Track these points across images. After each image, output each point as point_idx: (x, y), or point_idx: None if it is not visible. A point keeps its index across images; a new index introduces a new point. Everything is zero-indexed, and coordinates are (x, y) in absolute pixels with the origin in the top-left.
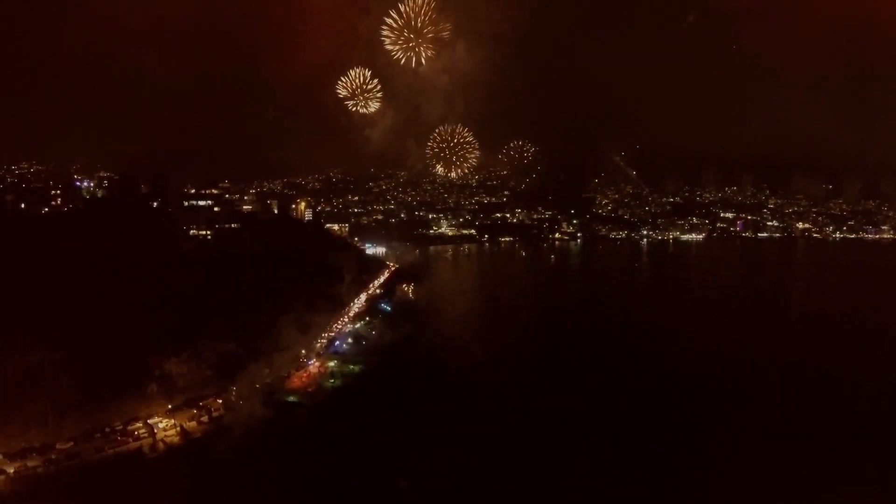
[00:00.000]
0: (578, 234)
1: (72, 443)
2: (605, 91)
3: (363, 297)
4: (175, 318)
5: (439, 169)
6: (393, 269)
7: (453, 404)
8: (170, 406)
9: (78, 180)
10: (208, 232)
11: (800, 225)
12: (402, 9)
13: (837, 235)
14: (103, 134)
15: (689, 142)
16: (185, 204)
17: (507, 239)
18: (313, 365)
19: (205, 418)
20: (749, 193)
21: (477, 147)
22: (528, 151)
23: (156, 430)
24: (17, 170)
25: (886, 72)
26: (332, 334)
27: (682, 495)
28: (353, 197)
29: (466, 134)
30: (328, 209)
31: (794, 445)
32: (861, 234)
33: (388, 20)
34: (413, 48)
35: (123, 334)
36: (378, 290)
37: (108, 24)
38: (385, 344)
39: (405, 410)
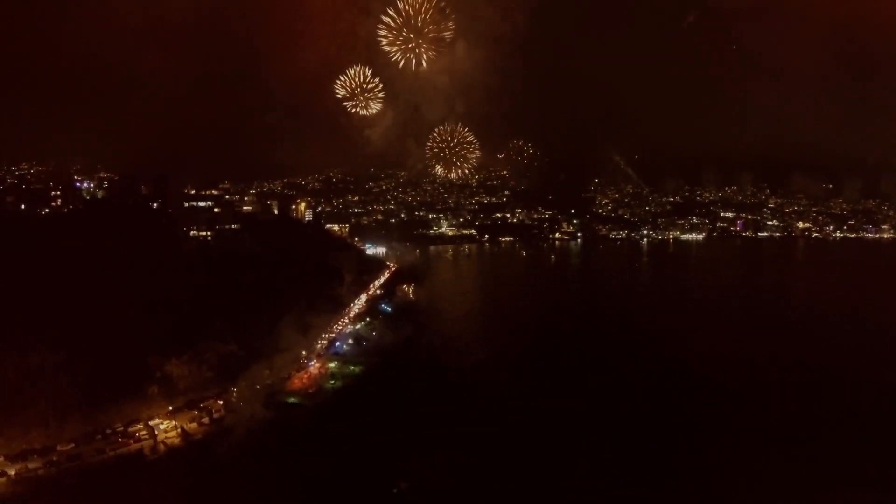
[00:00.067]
0: (578, 234)
1: (73, 444)
2: (605, 91)
3: (363, 297)
4: (175, 320)
5: (439, 169)
6: (393, 269)
7: (453, 405)
8: (170, 407)
9: (78, 181)
10: (208, 233)
11: (800, 224)
12: (400, 6)
13: (837, 235)
14: (103, 134)
15: (689, 142)
16: (186, 205)
17: (508, 239)
18: (314, 366)
19: (205, 420)
20: (749, 193)
21: (477, 147)
22: (528, 151)
23: (157, 432)
24: (17, 170)
25: (887, 71)
26: (333, 335)
27: (682, 495)
28: (353, 197)
29: (466, 134)
30: (328, 209)
31: (794, 445)
32: (861, 234)
33: (386, 19)
34: (413, 49)
35: (124, 335)
36: (378, 291)
37: (107, 24)
38: (385, 345)
39: (405, 411)
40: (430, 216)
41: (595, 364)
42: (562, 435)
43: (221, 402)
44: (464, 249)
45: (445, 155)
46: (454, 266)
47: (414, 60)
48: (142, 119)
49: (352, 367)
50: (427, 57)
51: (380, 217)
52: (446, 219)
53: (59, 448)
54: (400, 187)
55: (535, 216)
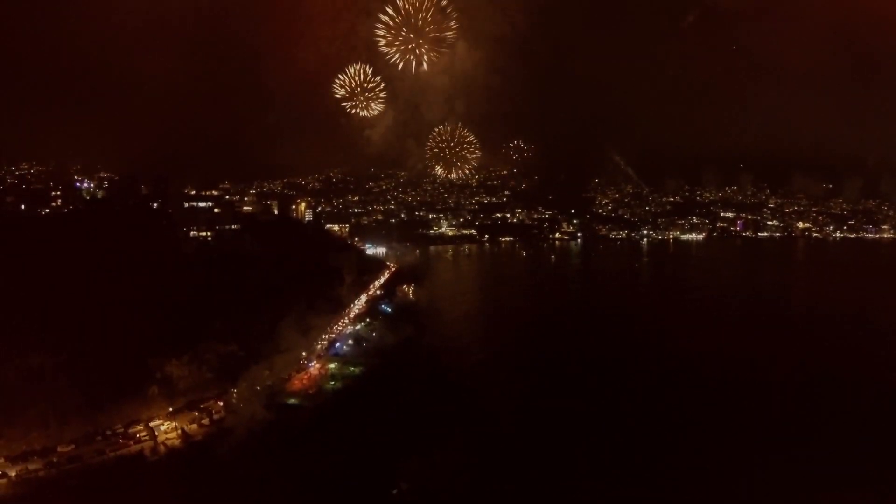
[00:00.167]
0: (578, 234)
1: (73, 446)
2: (605, 91)
3: (363, 298)
4: (175, 320)
5: (439, 170)
6: (393, 269)
7: (454, 405)
8: (171, 408)
9: (78, 181)
10: (208, 233)
11: (800, 224)
12: (400, 5)
13: (838, 235)
14: (103, 135)
15: (689, 142)
16: (186, 205)
17: (508, 239)
18: (314, 367)
19: (206, 421)
20: (749, 193)
21: (477, 147)
22: (528, 151)
23: (157, 433)
24: (17, 171)
25: (887, 71)
26: (333, 336)
27: (682, 495)
28: (353, 197)
29: (466, 134)
30: (328, 209)
31: (794, 445)
32: (861, 234)
33: (385, 17)
34: (413, 50)
35: (124, 336)
36: (378, 291)
37: (107, 25)
38: (386, 345)
39: (405, 412)
40: (430, 216)
41: (595, 364)
42: (562, 435)
43: (222, 403)
44: (464, 249)
45: (445, 155)
46: (454, 266)
47: (414, 61)
48: (142, 119)
49: (352, 368)
50: (428, 58)
51: (380, 217)
52: (446, 219)
53: (59, 449)
54: (400, 187)
55: (535, 216)
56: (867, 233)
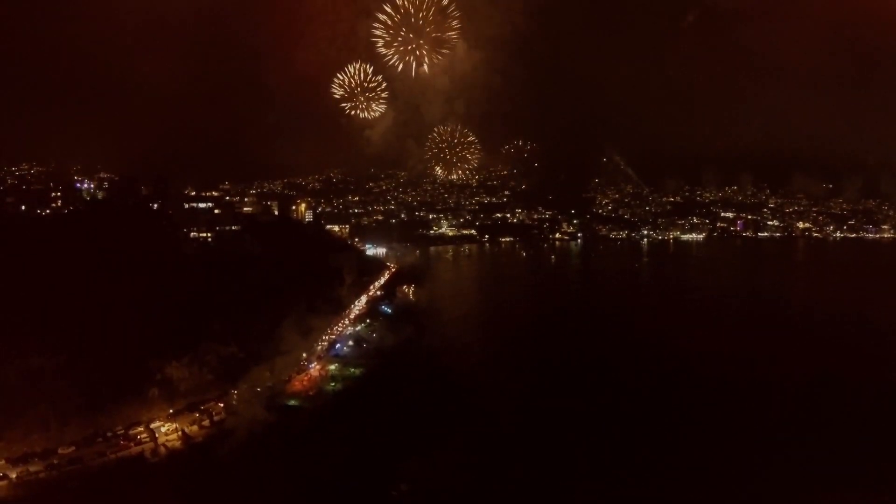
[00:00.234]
0: (579, 234)
1: (73, 447)
2: (605, 91)
3: (364, 298)
4: (176, 322)
5: (439, 170)
6: (393, 270)
7: (454, 406)
8: (171, 410)
9: (78, 182)
10: (209, 234)
11: (800, 224)
12: (399, 3)
13: (838, 235)
14: (104, 135)
15: (689, 142)
16: (186, 206)
17: (508, 239)
18: (314, 368)
19: (206, 422)
20: (749, 193)
21: (477, 147)
22: (528, 151)
23: (157, 435)
24: (17, 171)
25: (887, 71)
26: (333, 337)
27: (682, 495)
28: (353, 197)
29: (467, 134)
30: (328, 210)
31: (794, 445)
32: (861, 234)
33: (383, 17)
34: (413, 51)
35: (124, 338)
36: (378, 292)
37: (107, 25)
38: (386, 346)
39: (405, 413)
40: (431, 216)
41: (595, 364)
42: (561, 435)
43: (222, 405)
44: (464, 250)
45: (446, 155)
46: (454, 267)
47: (414, 62)
48: (142, 120)
49: (352, 370)
50: (429, 60)
51: (380, 217)
52: (446, 219)
53: (59, 451)
54: (400, 188)
55: (535, 216)
56: (867, 233)
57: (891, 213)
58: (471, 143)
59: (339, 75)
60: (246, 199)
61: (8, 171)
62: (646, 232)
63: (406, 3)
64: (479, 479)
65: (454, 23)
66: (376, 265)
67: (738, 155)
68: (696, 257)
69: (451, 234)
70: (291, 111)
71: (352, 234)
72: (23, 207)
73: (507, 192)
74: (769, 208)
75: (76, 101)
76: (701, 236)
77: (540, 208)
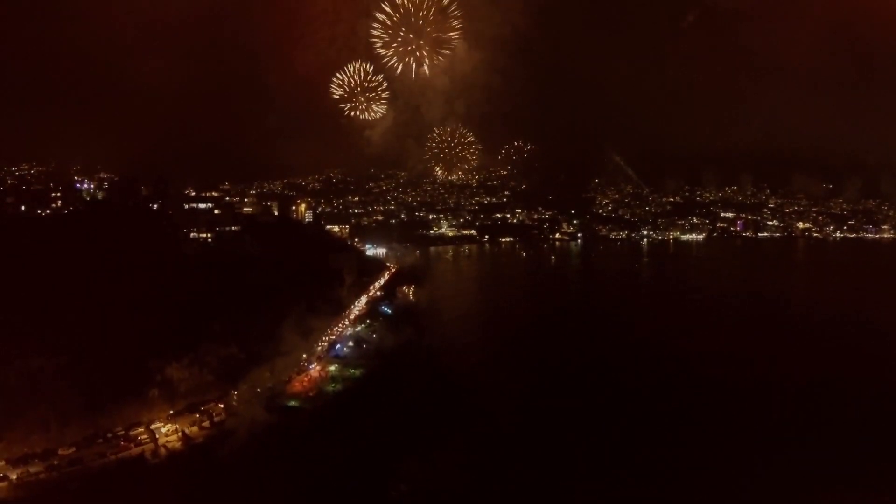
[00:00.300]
0: (579, 235)
1: (74, 448)
2: (605, 91)
3: (364, 299)
4: (176, 322)
5: (438, 170)
6: (393, 270)
7: (454, 406)
8: (171, 411)
9: (78, 182)
10: (209, 235)
11: (800, 224)
12: (398, 1)
13: (838, 235)
14: (104, 135)
15: (689, 142)
16: (186, 206)
17: (508, 239)
18: (314, 369)
19: (206, 423)
20: (749, 193)
21: (477, 147)
22: (528, 151)
23: (157, 436)
24: (17, 171)
25: (887, 71)
26: (333, 338)
27: (682, 495)
28: (353, 197)
29: (466, 134)
30: (328, 210)
31: (795, 445)
32: (861, 234)
33: (381, 16)
34: (413, 52)
35: (124, 338)
36: (378, 293)
37: (108, 26)
38: (386, 347)
39: (406, 414)
40: (431, 217)
41: (595, 364)
42: (561, 435)
43: (222, 406)
44: (464, 250)
45: (445, 155)
46: (454, 267)
47: (414, 63)
48: (142, 120)
49: (352, 370)
50: (430, 60)
51: (380, 218)
52: (446, 219)
53: (60, 452)
54: (400, 188)
55: (535, 216)
56: (867, 233)
57: (891, 213)
58: (471, 143)
59: (338, 75)
60: (246, 200)
61: (8, 171)
62: (646, 232)
63: (406, 2)
64: (479, 479)
65: (455, 23)
66: (376, 265)
67: (738, 155)
68: (696, 257)
69: (450, 234)
70: (291, 111)
71: (352, 235)
72: (23, 207)
73: (507, 193)
74: (769, 208)
75: (76, 101)
76: (701, 236)
77: (540, 208)
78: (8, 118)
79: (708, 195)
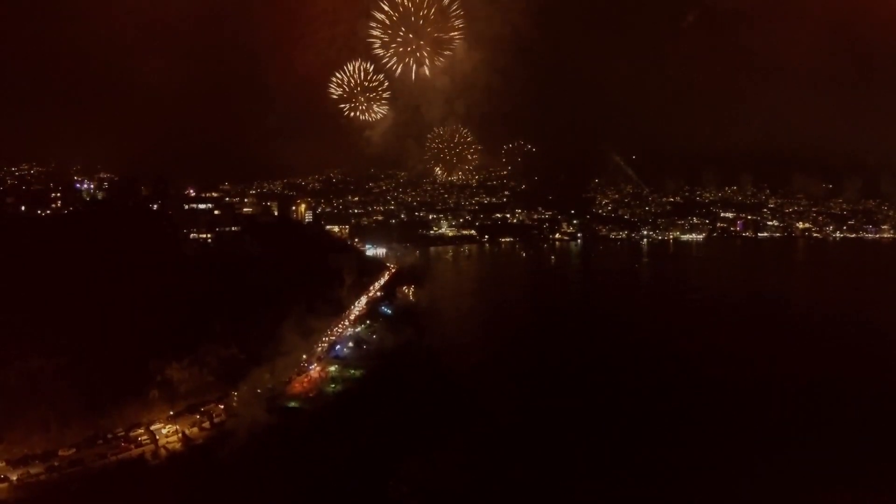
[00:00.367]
0: (579, 235)
1: (74, 449)
2: (605, 91)
3: (363, 299)
4: (176, 323)
5: (438, 170)
6: (393, 270)
7: (454, 406)
8: (171, 412)
9: (78, 182)
10: (209, 235)
11: (800, 224)
12: (398, 0)
13: (837, 235)
14: (103, 135)
15: (689, 142)
16: (186, 207)
17: (508, 239)
18: (314, 370)
19: (207, 424)
20: (749, 193)
21: (477, 147)
22: (528, 152)
23: (158, 437)
24: (17, 171)
25: (887, 71)
26: (333, 338)
27: (682, 495)
28: (353, 197)
29: (466, 134)
30: (328, 210)
31: (795, 445)
32: (861, 234)
33: (380, 16)
34: (413, 52)
35: (124, 339)
36: (378, 293)
37: (108, 26)
38: (386, 348)
39: (406, 414)
40: (431, 217)
41: (595, 364)
42: (561, 435)
43: (222, 407)
44: (464, 250)
45: (445, 155)
46: (454, 267)
47: (414, 63)
48: (142, 120)
49: (352, 371)
50: (430, 61)
51: (380, 218)
52: (446, 219)
53: (60, 453)
54: (400, 188)
55: (535, 216)
56: (867, 233)
57: (891, 213)
58: (471, 143)
59: (338, 75)
60: (246, 200)
61: (8, 171)
62: (646, 232)
63: (406, 2)
64: (479, 479)
65: (455, 23)
66: (376, 266)
67: (738, 155)
68: (696, 257)
69: (450, 234)
70: (291, 111)
71: (352, 235)
72: (23, 208)
73: (507, 193)
74: (769, 208)
75: (76, 101)
76: (701, 236)
77: (540, 208)
78: (8, 118)
79: (708, 195)
